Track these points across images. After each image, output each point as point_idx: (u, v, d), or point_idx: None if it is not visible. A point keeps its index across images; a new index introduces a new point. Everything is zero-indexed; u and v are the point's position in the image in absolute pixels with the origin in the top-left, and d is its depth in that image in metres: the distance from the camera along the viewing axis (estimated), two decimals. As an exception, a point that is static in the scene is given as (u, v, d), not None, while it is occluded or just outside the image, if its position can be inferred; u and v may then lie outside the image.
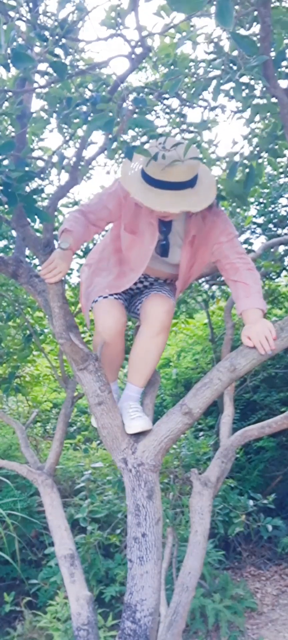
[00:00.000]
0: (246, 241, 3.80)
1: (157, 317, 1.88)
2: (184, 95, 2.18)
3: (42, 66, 1.76)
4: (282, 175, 3.89)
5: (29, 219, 2.09)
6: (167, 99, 2.13)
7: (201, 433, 4.24)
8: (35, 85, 1.86)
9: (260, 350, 1.71)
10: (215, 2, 1.15)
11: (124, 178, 1.80)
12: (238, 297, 1.85)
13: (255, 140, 2.23)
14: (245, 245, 3.74)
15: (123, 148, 1.44)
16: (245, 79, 1.87)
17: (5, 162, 1.54)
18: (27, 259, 2.42)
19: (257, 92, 1.96)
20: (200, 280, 3.99)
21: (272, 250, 3.37)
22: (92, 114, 1.56)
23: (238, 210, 3.57)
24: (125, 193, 1.85)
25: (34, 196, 1.58)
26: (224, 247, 1.88)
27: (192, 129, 2.35)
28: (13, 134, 2.10)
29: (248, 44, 1.35)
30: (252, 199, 3.94)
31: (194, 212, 1.80)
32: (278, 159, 3.20)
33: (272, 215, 3.90)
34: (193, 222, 1.87)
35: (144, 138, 2.31)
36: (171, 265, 1.99)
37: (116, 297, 1.92)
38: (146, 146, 1.79)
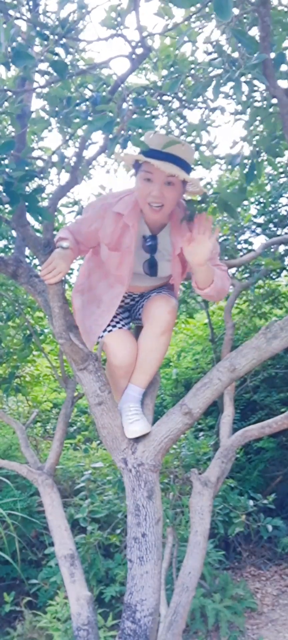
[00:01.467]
0: (246, 241, 3.80)
1: (161, 317, 1.89)
2: (184, 97, 2.18)
3: (43, 65, 1.76)
4: (282, 175, 3.88)
5: (29, 219, 2.09)
6: (168, 102, 2.13)
7: (201, 433, 4.23)
8: (36, 84, 1.85)
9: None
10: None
11: (128, 157, 1.83)
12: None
13: (255, 139, 2.23)
14: (245, 245, 3.74)
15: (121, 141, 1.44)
16: (245, 79, 1.87)
17: (6, 162, 1.53)
18: (27, 259, 2.42)
19: (257, 94, 1.96)
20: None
21: (272, 250, 3.37)
22: (91, 114, 1.56)
23: (238, 209, 3.56)
24: (102, 213, 1.86)
25: (36, 195, 1.58)
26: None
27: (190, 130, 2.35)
28: (13, 133, 2.09)
29: (249, 40, 1.35)
30: (251, 199, 3.94)
31: (180, 222, 1.85)
32: (278, 159, 3.20)
33: (272, 214, 3.90)
34: (180, 234, 1.86)
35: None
36: (162, 277, 2.01)
37: (120, 326, 1.94)
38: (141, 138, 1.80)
